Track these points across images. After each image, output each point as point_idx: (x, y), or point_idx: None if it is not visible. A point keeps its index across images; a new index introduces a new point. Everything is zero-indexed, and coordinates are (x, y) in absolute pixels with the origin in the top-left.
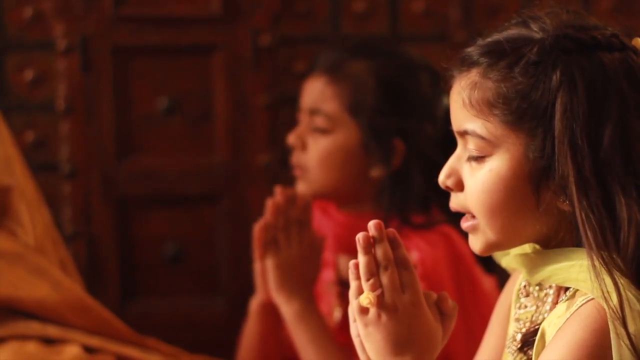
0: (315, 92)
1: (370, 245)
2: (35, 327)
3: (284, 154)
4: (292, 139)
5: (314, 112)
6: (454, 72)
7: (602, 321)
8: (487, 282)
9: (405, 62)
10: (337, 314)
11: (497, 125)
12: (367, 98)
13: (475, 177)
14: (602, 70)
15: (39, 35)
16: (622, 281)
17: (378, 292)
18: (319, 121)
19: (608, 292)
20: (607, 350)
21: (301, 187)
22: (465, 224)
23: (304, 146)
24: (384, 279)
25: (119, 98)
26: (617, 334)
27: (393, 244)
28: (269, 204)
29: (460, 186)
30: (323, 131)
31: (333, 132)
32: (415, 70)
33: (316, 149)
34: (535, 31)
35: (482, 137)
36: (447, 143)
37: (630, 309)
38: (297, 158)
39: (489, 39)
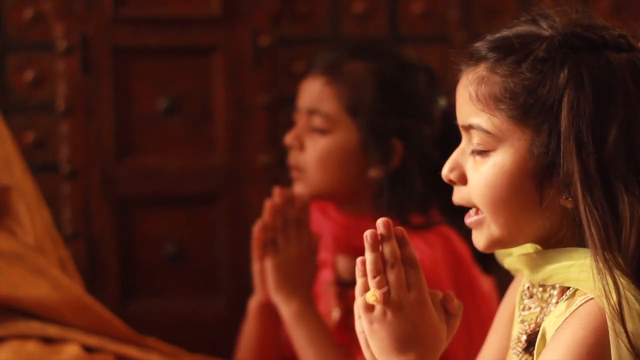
0: (314, 92)
1: (378, 242)
2: (35, 327)
3: (283, 154)
4: (289, 139)
5: (312, 112)
6: (462, 66)
7: (602, 320)
8: (486, 282)
9: (403, 63)
10: (335, 314)
11: (503, 120)
12: (366, 98)
13: (479, 172)
14: (609, 69)
15: (39, 35)
16: (622, 280)
17: (384, 289)
18: (318, 121)
19: (609, 290)
20: (606, 349)
21: (299, 189)
22: (469, 219)
23: (301, 146)
24: (391, 276)
25: (119, 98)
26: (615, 333)
27: (401, 242)
28: (267, 204)
29: (463, 180)
30: (321, 131)
31: (331, 132)
32: (412, 71)
33: (314, 149)
34: (544, 28)
35: (487, 132)
36: (444, 143)
37: (629, 308)
38: (294, 159)
39: (498, 35)
